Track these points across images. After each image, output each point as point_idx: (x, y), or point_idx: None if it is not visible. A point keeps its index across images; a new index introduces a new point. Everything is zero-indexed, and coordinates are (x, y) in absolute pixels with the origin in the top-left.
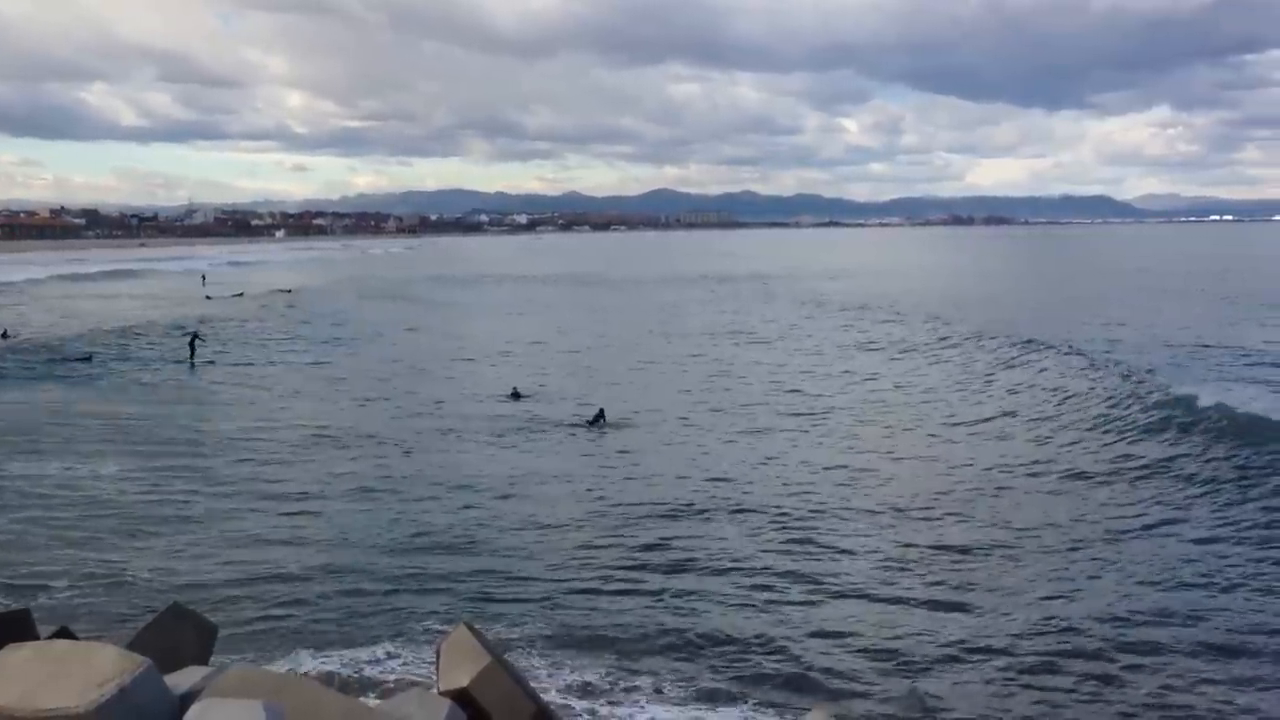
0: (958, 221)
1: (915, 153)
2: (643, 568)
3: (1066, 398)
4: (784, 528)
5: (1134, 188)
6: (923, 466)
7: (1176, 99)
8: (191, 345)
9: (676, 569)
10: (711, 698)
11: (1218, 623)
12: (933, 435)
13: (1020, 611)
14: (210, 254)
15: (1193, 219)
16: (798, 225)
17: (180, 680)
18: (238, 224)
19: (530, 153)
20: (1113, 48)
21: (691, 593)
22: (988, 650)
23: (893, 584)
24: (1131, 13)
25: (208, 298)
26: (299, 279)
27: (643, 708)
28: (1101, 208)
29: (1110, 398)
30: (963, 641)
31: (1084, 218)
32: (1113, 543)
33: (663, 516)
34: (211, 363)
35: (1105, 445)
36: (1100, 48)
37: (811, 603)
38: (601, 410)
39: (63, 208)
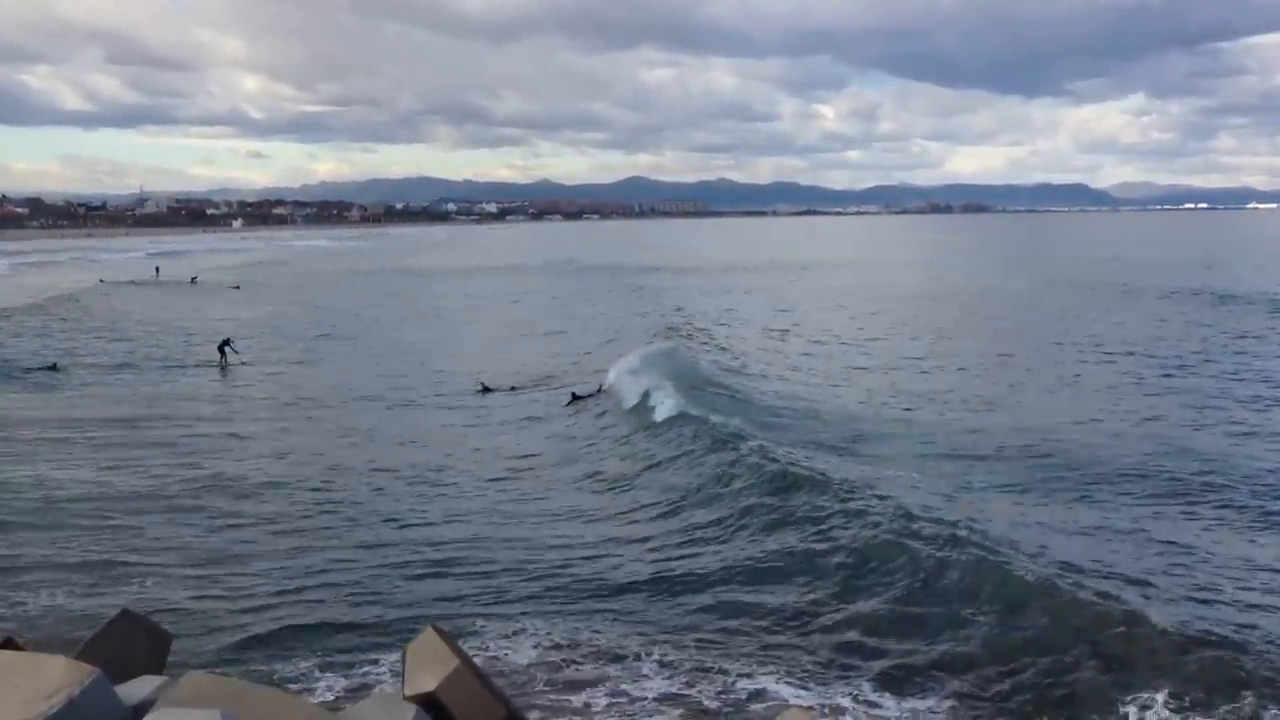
0: (936, 210)
1: (893, 140)
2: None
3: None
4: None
5: (1110, 175)
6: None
7: (1151, 87)
8: (222, 351)
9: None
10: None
11: None
12: None
13: None
14: (134, 244)
15: (1168, 207)
16: (774, 214)
17: (133, 690)
18: (192, 213)
19: (499, 139)
20: (1088, 34)
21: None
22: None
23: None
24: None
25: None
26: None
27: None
28: (1078, 195)
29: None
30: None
31: (1061, 206)
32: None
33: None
34: (245, 364)
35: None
36: (1076, 35)
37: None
38: (574, 392)
39: (4, 196)
